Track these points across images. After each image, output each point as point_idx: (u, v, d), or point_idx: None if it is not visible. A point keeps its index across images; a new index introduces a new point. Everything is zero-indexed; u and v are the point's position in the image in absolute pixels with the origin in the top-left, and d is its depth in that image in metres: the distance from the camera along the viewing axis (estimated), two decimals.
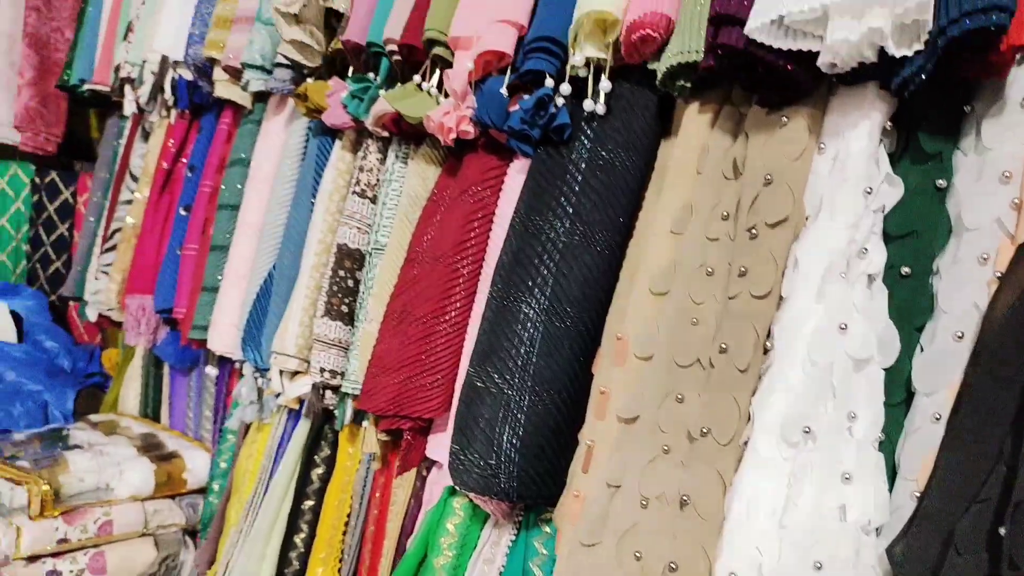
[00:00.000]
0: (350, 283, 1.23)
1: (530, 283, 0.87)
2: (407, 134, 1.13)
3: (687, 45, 0.76)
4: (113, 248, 2.06)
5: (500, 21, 0.92)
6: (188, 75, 1.66)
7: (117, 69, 1.92)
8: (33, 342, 2.29)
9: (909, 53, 0.60)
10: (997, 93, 0.63)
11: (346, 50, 1.17)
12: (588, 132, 0.90)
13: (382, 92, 1.14)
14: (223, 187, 1.60)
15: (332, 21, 1.23)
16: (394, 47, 1.07)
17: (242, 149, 1.57)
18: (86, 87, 2.17)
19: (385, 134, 1.17)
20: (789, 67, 0.68)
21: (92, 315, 2.07)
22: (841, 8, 0.59)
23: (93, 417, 2.04)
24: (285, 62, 1.32)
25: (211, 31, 1.49)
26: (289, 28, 1.23)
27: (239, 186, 1.56)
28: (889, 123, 0.69)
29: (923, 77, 0.59)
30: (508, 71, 0.96)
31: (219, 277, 1.54)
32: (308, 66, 1.28)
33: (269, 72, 1.39)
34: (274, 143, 1.49)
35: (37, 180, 2.51)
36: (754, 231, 0.72)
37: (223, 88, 1.52)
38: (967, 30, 0.54)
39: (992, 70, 0.60)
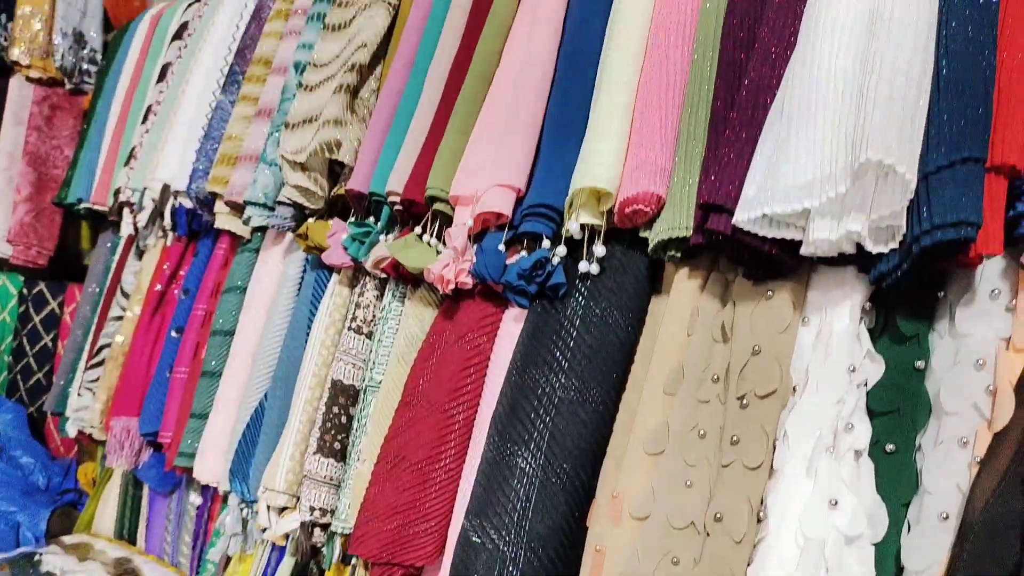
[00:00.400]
0: (343, 420, 1.24)
1: (526, 437, 0.89)
2: (405, 277, 1.17)
3: (677, 221, 0.81)
4: (99, 364, 2.05)
5: (499, 185, 0.97)
6: (188, 204, 1.71)
7: (117, 192, 1.97)
8: (8, 458, 2.24)
9: (885, 250, 0.65)
10: (968, 282, 0.68)
11: (349, 197, 1.22)
12: (582, 290, 0.94)
13: (382, 238, 1.19)
14: (217, 312, 1.62)
15: (336, 166, 1.29)
16: (396, 199, 1.12)
17: (239, 276, 1.60)
18: (83, 206, 2.22)
19: (384, 276, 1.21)
20: (773, 252, 0.73)
21: (72, 431, 2.04)
22: (822, 211, 0.64)
23: (67, 539, 1.97)
24: (287, 201, 1.37)
25: (215, 167, 1.55)
26: (294, 174, 1.28)
27: (234, 313, 1.59)
28: (868, 303, 0.73)
29: (899, 275, 0.64)
30: (506, 227, 1.01)
31: (209, 404, 1.54)
32: (310, 208, 1.33)
33: (271, 209, 1.44)
34: (271, 272, 1.52)
35: (25, 291, 2.52)
36: (745, 401, 0.75)
37: (224, 220, 1.56)
38: (938, 241, 0.59)
39: (962, 265, 0.65)
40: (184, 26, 1.99)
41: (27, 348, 2.55)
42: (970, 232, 0.57)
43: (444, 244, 1.08)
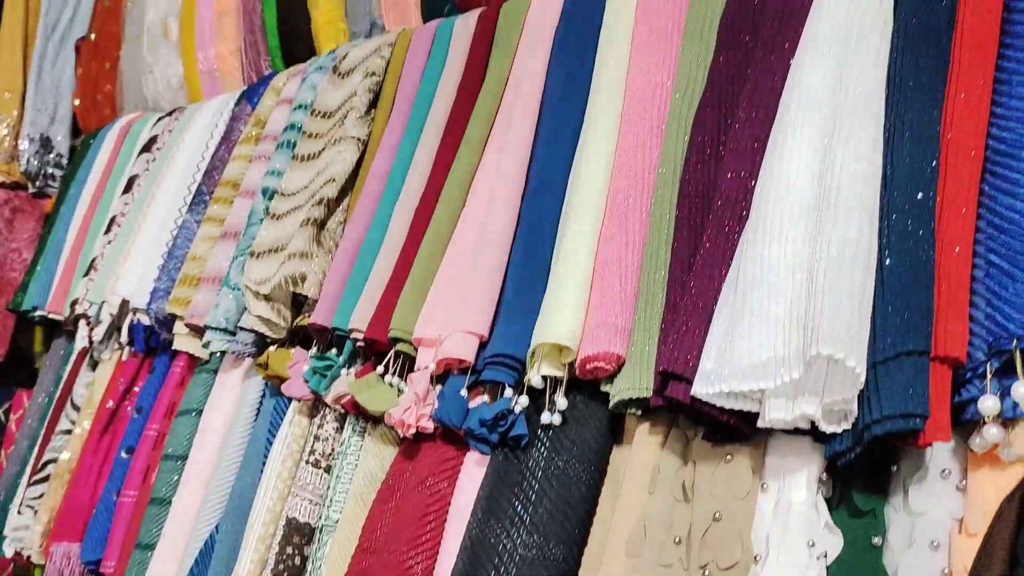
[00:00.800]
0: (297, 561, 1.19)
1: None
2: (365, 413, 1.15)
3: (637, 382, 0.82)
4: (43, 480, 1.96)
5: (463, 332, 0.98)
6: (147, 321, 1.69)
7: (74, 303, 1.94)
8: None
9: (838, 430, 0.66)
10: (920, 460, 0.69)
11: (311, 329, 1.22)
12: (545, 440, 0.94)
13: (344, 372, 1.18)
14: (170, 435, 1.57)
15: (299, 297, 1.29)
16: (359, 335, 1.12)
17: (195, 399, 1.57)
18: (38, 313, 2.18)
19: (341, 409, 1.20)
20: (732, 422, 0.74)
21: (9, 552, 1.93)
22: (777, 392, 0.65)
23: None
24: (249, 328, 1.36)
25: (177, 287, 1.54)
26: (257, 303, 1.28)
27: (187, 437, 1.54)
28: (825, 473, 0.74)
29: (852, 456, 0.65)
30: (469, 371, 1.01)
31: (156, 534, 1.47)
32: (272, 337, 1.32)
33: (232, 334, 1.42)
34: (229, 397, 1.49)
35: None
36: (707, 572, 0.74)
37: (183, 342, 1.54)
38: (888, 431, 0.60)
39: (912, 444, 0.66)
40: (154, 139, 2.01)
41: None
42: (918, 423, 0.59)
43: (406, 382, 1.08)
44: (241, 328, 1.39)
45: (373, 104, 1.36)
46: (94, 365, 2.03)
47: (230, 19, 1.87)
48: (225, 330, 1.42)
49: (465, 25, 1.29)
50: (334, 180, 1.26)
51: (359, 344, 1.15)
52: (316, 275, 1.23)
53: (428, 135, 1.22)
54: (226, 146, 1.67)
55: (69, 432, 1.98)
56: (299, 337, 1.34)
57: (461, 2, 1.37)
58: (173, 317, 1.56)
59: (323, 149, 1.36)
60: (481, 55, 1.24)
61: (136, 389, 1.81)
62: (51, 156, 2.48)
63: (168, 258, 1.62)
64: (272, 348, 1.35)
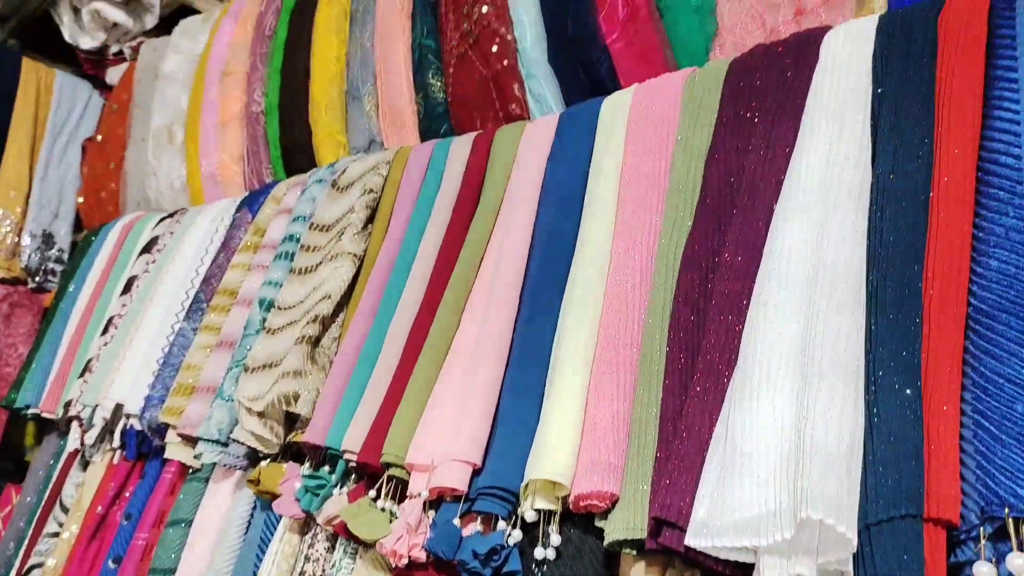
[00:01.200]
0: None
1: None
2: (357, 538, 1.13)
3: (631, 522, 0.82)
4: None
5: (455, 460, 0.97)
6: (139, 427, 1.68)
7: (68, 405, 1.93)
8: None
9: None
10: None
11: (304, 447, 1.21)
12: (539, 575, 0.92)
13: (336, 491, 1.17)
14: (159, 547, 1.54)
15: (292, 412, 1.29)
16: (352, 457, 1.11)
17: (185, 509, 1.54)
18: (31, 411, 2.16)
19: (331, 531, 1.18)
20: (728, 572, 0.73)
21: None
22: (771, 550, 0.65)
23: None
24: (241, 441, 1.35)
25: (171, 397, 1.53)
26: (249, 419, 1.27)
27: (176, 549, 1.51)
28: None
29: None
30: (462, 499, 1.00)
31: None
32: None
33: (225, 445, 1.41)
34: (219, 508, 1.47)
35: None
36: None
37: (175, 450, 1.53)
38: None
39: None
40: (154, 240, 2.04)
41: None
42: None
43: (399, 507, 1.06)
44: (233, 440, 1.38)
45: (370, 220, 1.39)
46: (85, 465, 2.01)
47: (233, 128, 1.93)
48: (217, 441, 1.41)
49: (461, 146, 1.33)
50: (329, 297, 1.28)
51: (352, 464, 1.14)
52: (310, 393, 1.23)
53: (424, 253, 1.25)
54: (225, 253, 1.69)
55: (56, 535, 1.94)
56: (292, 451, 1.33)
57: (458, 124, 1.41)
58: (166, 425, 1.55)
59: (320, 263, 1.38)
60: (477, 174, 1.27)
61: (126, 494, 1.79)
62: (52, 251, 2.52)
63: (163, 365, 1.62)
64: (264, 463, 1.33)
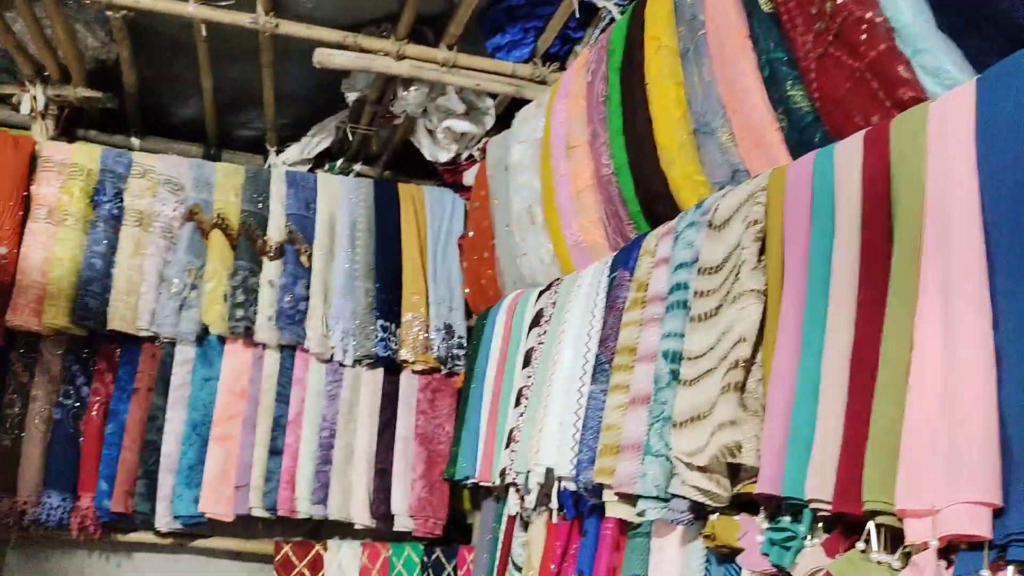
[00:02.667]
0: None
1: None
2: None
3: None
4: None
5: (967, 502, 0.86)
6: (573, 488, 1.80)
7: (502, 473, 2.16)
8: None
9: None
10: None
11: (759, 498, 1.18)
12: None
13: (807, 543, 1.11)
14: None
15: (732, 466, 1.27)
16: (821, 506, 1.05)
17: (635, 564, 1.60)
18: (469, 482, 2.47)
19: None
20: None
21: None
22: None
23: None
24: (684, 496, 1.36)
25: (600, 458, 1.62)
26: (691, 474, 1.28)
27: None
28: None
29: None
30: (985, 547, 0.87)
31: None
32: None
33: (664, 500, 1.44)
34: (670, 562, 1.50)
35: (425, 559, 2.81)
36: None
37: (615, 508, 1.60)
38: None
39: None
40: (539, 313, 2.23)
41: None
42: None
43: (898, 559, 0.97)
44: (675, 495, 1.40)
45: (761, 252, 1.34)
46: (525, 525, 2.22)
47: (588, 196, 2.04)
48: (657, 497, 1.45)
49: (848, 150, 1.22)
50: (744, 340, 1.25)
51: (821, 513, 1.07)
52: (751, 442, 1.20)
53: (841, 276, 1.15)
54: (612, 314, 1.77)
55: None
56: (740, 500, 1.30)
57: (834, 129, 1.31)
58: (601, 485, 1.64)
59: (720, 306, 1.36)
60: (880, 176, 1.14)
61: (571, 551, 1.92)
62: (454, 340, 2.89)
63: (584, 430, 1.72)
64: (714, 516, 1.33)
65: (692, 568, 1.43)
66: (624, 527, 1.70)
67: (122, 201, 2.62)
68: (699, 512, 1.39)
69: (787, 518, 1.17)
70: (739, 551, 1.27)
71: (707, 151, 1.62)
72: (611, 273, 1.86)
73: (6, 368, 2.45)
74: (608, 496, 1.61)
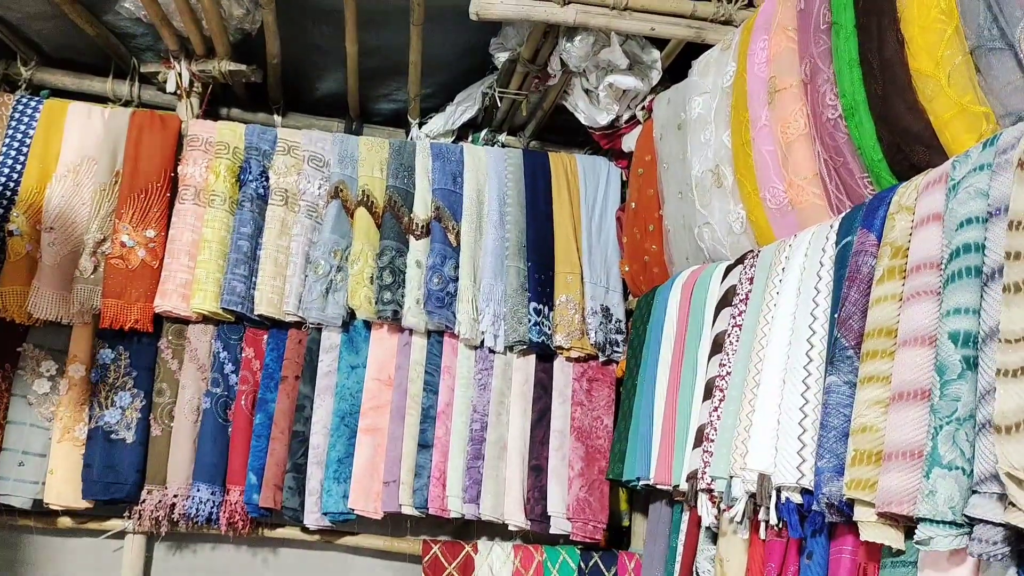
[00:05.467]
0: None
1: None
2: None
3: None
4: None
5: None
6: (797, 499, 1.48)
7: (692, 476, 1.86)
8: None
9: None
10: None
11: None
12: None
13: None
14: None
15: None
16: None
17: None
18: (642, 483, 2.18)
19: None
20: None
21: None
22: None
23: None
24: (998, 522, 1.02)
25: (851, 467, 1.29)
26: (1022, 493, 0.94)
27: None
28: None
29: None
30: None
31: None
32: None
33: (960, 526, 1.10)
34: None
35: (582, 564, 2.55)
36: None
37: (873, 531, 1.27)
38: None
39: None
40: (731, 291, 1.90)
41: None
42: None
43: None
44: (981, 520, 1.06)
45: None
46: (713, 537, 1.91)
47: (801, 147, 1.70)
48: (951, 523, 1.11)
49: None
50: None
51: None
52: None
53: None
54: (855, 287, 1.42)
55: None
56: None
57: None
58: (850, 502, 1.31)
59: None
60: None
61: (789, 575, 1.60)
62: (612, 323, 2.60)
63: (823, 429, 1.40)
64: None
65: None
66: (875, 553, 1.36)
67: (267, 180, 2.49)
68: (1017, 543, 1.05)
69: None
70: None
71: (994, 73, 1.26)
72: (843, 238, 1.52)
73: (155, 356, 2.36)
74: (863, 515, 1.28)
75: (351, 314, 2.45)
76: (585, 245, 2.66)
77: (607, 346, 2.58)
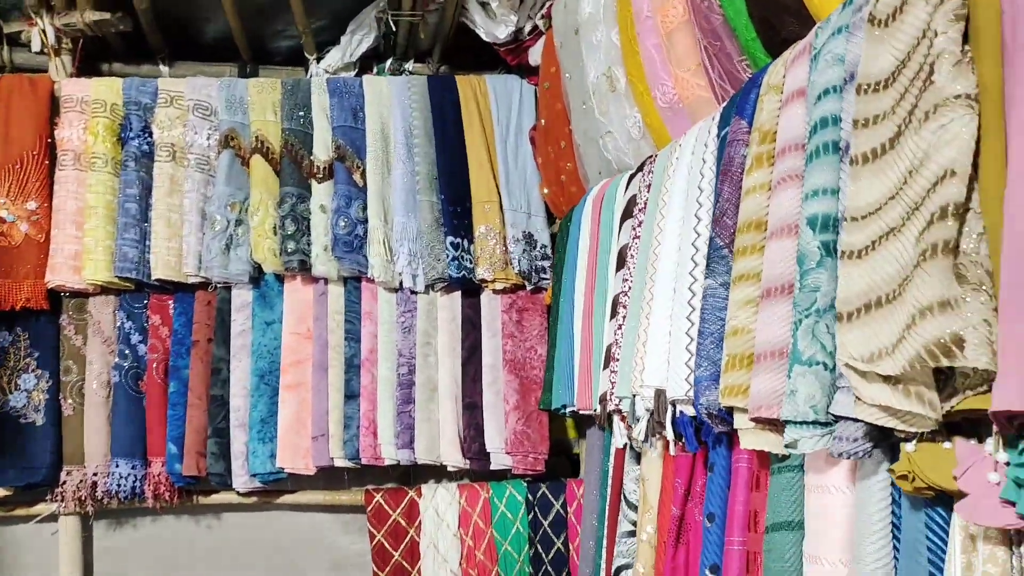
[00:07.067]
0: None
1: None
2: None
3: None
4: None
5: None
6: (691, 412, 1.40)
7: (603, 399, 1.78)
8: None
9: None
10: None
11: (994, 417, 0.74)
12: None
13: None
14: (768, 557, 1.23)
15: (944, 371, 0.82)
16: None
17: (784, 508, 1.20)
18: (568, 410, 2.12)
19: None
20: None
21: None
22: None
23: None
24: (858, 419, 0.93)
25: (726, 373, 1.20)
26: (870, 387, 0.85)
27: (791, 560, 1.17)
28: None
29: None
30: None
31: None
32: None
33: (824, 424, 1.02)
34: (839, 508, 1.08)
35: (530, 497, 2.51)
36: None
37: (751, 438, 1.19)
38: None
39: None
40: (632, 200, 1.79)
41: (543, 555, 2.49)
42: None
43: None
44: (843, 418, 0.97)
45: (965, 37, 0.85)
46: (637, 458, 1.85)
47: (681, 36, 1.56)
48: (814, 422, 1.03)
49: None
50: (953, 173, 0.78)
51: None
52: (979, 331, 0.75)
53: None
54: (729, 181, 1.31)
55: (631, 534, 1.81)
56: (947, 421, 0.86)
57: None
58: (730, 409, 1.23)
59: (898, 133, 0.89)
60: None
61: (697, 489, 1.54)
62: (536, 250, 2.49)
63: (701, 337, 1.31)
64: (909, 446, 0.90)
65: (871, 515, 1.01)
66: (766, 460, 1.29)
67: (151, 135, 2.35)
68: (880, 438, 0.96)
69: None
70: (956, 495, 0.84)
71: None
72: (722, 129, 1.40)
73: (57, 333, 2.26)
74: (741, 422, 1.20)
75: (258, 269, 2.34)
76: (502, 171, 2.52)
77: (533, 274, 2.48)
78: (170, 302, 2.34)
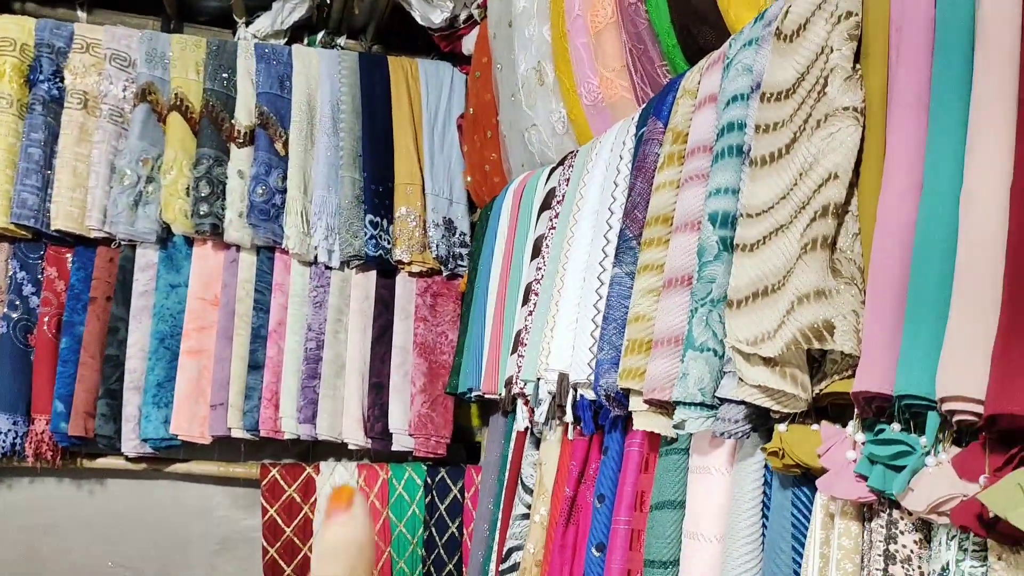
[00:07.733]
0: None
1: None
2: (1007, 534, 0.70)
3: None
4: (512, 569, 1.87)
5: None
6: (591, 396, 1.46)
7: (508, 383, 1.83)
8: None
9: None
10: None
11: (855, 399, 0.82)
12: None
13: (932, 462, 0.75)
14: (648, 535, 1.29)
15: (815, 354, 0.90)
16: (968, 407, 0.68)
17: (669, 488, 1.27)
18: (474, 395, 2.15)
19: (944, 522, 0.76)
20: None
21: None
22: None
23: None
24: (739, 400, 1.01)
25: (626, 357, 1.27)
26: (752, 369, 0.92)
27: (671, 538, 1.24)
28: None
29: None
30: None
31: None
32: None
33: (710, 407, 1.09)
34: (717, 487, 1.16)
35: (428, 480, 2.53)
36: None
37: (644, 419, 1.26)
38: None
39: None
40: (551, 193, 1.85)
41: (437, 539, 2.51)
42: None
43: None
44: (727, 400, 1.05)
45: (856, 57, 0.94)
46: (537, 443, 1.90)
47: (608, 36, 1.62)
48: (702, 404, 1.10)
49: None
50: (836, 176, 0.86)
51: (961, 419, 0.71)
52: (848, 320, 0.82)
53: (987, 88, 0.75)
54: (642, 177, 1.38)
55: (526, 517, 1.86)
56: (815, 405, 0.95)
57: None
58: (627, 392, 1.30)
59: (794, 140, 0.97)
60: None
61: (591, 472, 1.60)
62: (456, 237, 2.52)
63: (605, 323, 1.37)
64: (781, 427, 0.97)
65: (745, 494, 1.09)
66: (656, 444, 1.36)
67: (62, 80, 2.24)
68: (759, 421, 1.04)
69: (895, 426, 0.81)
70: (819, 472, 0.92)
71: None
72: (640, 129, 1.47)
73: None
74: (636, 404, 1.27)
75: (167, 230, 2.27)
76: (427, 155, 2.54)
77: (450, 260, 2.51)
78: (69, 255, 2.24)
